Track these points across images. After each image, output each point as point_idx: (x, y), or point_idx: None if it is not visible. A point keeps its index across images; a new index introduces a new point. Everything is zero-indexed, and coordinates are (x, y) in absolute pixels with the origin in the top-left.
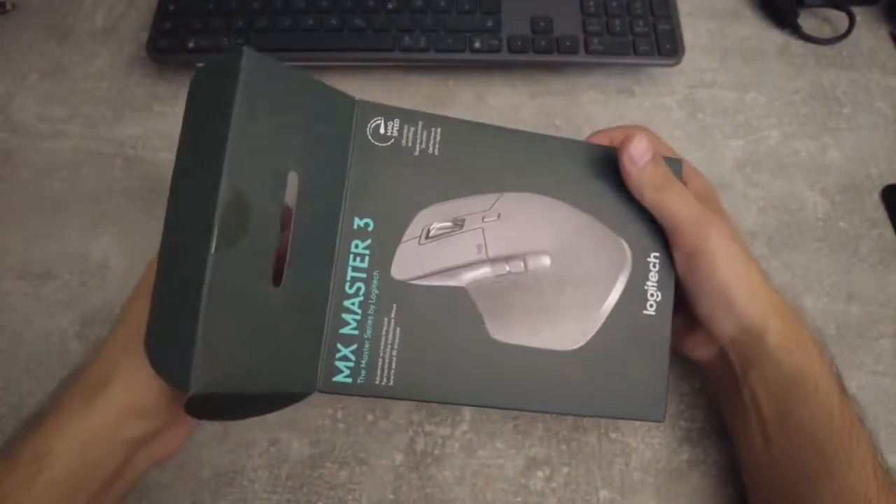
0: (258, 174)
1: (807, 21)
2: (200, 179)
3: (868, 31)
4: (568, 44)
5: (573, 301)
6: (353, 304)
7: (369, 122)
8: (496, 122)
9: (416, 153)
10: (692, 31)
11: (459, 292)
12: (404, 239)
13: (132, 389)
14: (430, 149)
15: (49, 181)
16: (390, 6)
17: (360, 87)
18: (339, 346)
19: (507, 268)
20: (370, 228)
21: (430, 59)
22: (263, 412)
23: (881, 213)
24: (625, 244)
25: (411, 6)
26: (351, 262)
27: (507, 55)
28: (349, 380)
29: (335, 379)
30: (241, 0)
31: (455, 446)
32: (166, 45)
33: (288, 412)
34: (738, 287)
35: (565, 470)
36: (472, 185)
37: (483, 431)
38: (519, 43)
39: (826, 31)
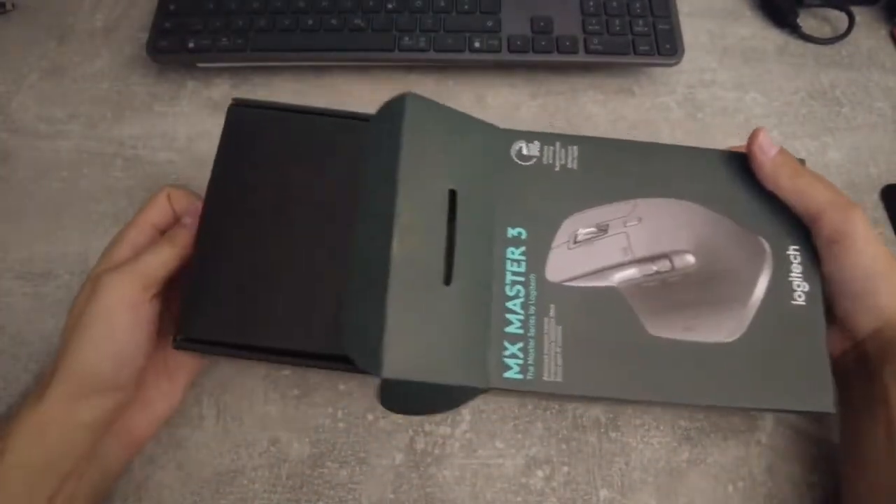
0: (424, 193)
1: (806, 21)
2: (378, 200)
3: (867, 30)
4: (568, 44)
5: (722, 296)
6: (514, 304)
7: (513, 145)
8: (496, 121)
9: (557, 169)
10: (692, 30)
11: (612, 292)
12: (554, 245)
13: (76, 374)
14: (569, 164)
15: (49, 181)
16: (390, 6)
17: (360, 87)
18: (506, 343)
19: (654, 267)
20: (523, 237)
21: (430, 59)
22: (445, 408)
23: (881, 213)
24: (762, 240)
25: (411, 6)
26: (509, 267)
27: (507, 55)
28: (520, 376)
29: (506, 375)
30: (240, 0)
31: (455, 446)
32: (166, 45)
33: (288, 411)
34: (883, 275)
35: (565, 469)
36: (611, 193)
37: (483, 431)
38: (519, 43)
39: (825, 31)
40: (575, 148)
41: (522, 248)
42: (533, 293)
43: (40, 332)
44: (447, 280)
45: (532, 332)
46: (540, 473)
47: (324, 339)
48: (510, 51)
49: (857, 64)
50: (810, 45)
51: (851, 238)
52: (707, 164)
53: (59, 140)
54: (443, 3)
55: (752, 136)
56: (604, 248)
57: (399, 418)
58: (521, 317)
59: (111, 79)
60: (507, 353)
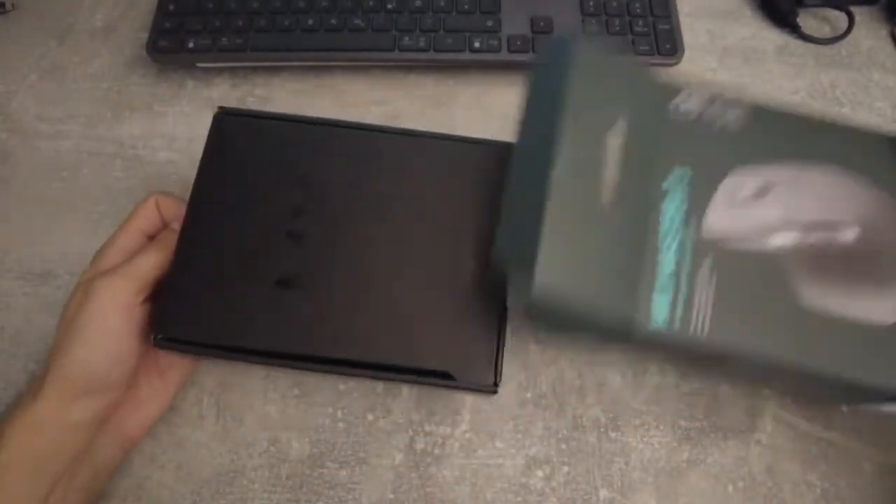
0: (588, 128)
1: (806, 21)
2: (542, 132)
3: (867, 30)
4: None
5: (884, 276)
6: (668, 254)
7: (676, 99)
8: (496, 122)
9: (717, 126)
10: (691, 30)
11: (769, 255)
12: (713, 201)
13: (69, 375)
14: (731, 124)
15: (49, 181)
16: (390, 6)
17: (360, 87)
18: (654, 294)
19: (816, 235)
20: (683, 186)
21: (430, 59)
22: (588, 343)
23: None
24: None
25: (411, 6)
26: (667, 214)
27: (506, 55)
28: (666, 326)
29: (652, 326)
30: (240, 0)
31: (455, 446)
32: (166, 45)
33: (288, 411)
34: None
35: (565, 469)
36: (776, 155)
37: (483, 431)
38: (519, 43)
39: (825, 31)
40: (738, 109)
41: (681, 198)
42: (689, 245)
43: (40, 332)
44: (604, 216)
45: (683, 285)
46: (540, 473)
47: (296, 340)
48: (510, 51)
49: (857, 64)
50: (810, 45)
51: None
52: (877, 144)
53: (59, 140)
54: (443, 3)
55: None
56: (765, 209)
57: (399, 418)
58: (673, 268)
59: (111, 79)
60: (655, 302)
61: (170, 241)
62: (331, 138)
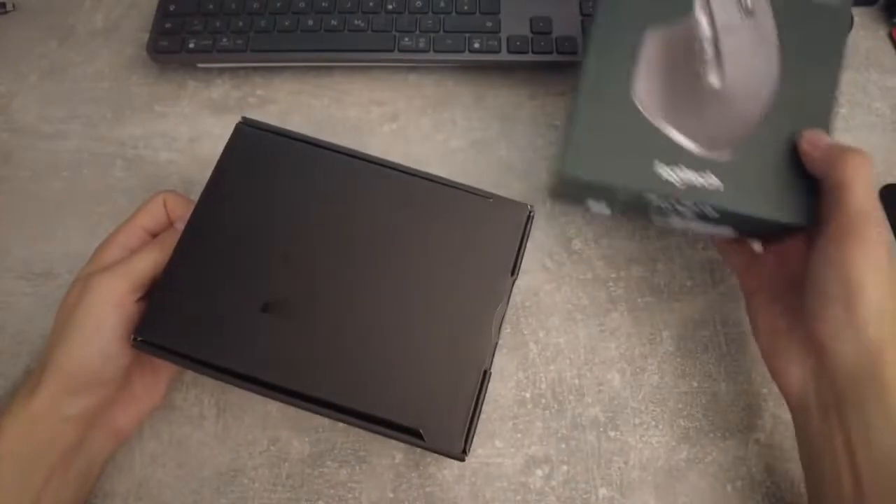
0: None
1: None
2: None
3: (866, 31)
4: (567, 44)
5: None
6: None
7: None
8: (496, 122)
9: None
10: None
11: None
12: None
13: (64, 371)
14: None
15: (49, 181)
16: (390, 7)
17: (360, 87)
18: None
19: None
20: None
21: (430, 59)
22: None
23: (879, 213)
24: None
25: (411, 6)
26: None
27: (506, 55)
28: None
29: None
30: (240, 0)
31: None
32: (166, 45)
33: (288, 411)
34: (871, 289)
35: (564, 468)
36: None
37: (482, 430)
38: (518, 43)
39: None
40: None
41: None
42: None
43: (40, 331)
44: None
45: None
46: (539, 472)
47: (272, 369)
48: (510, 51)
49: (856, 64)
50: None
51: (859, 243)
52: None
53: (59, 140)
54: (442, 4)
55: (801, 135)
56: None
57: None
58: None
59: (111, 79)
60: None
61: (172, 241)
62: (348, 169)
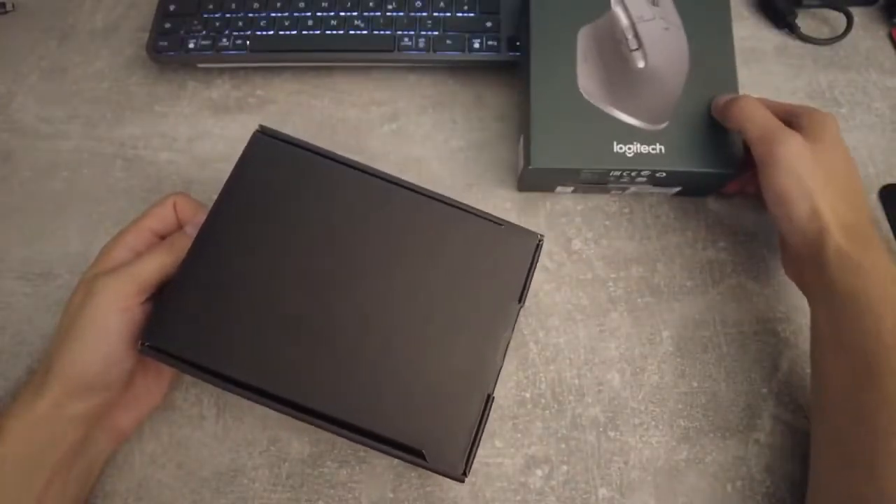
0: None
1: (805, 22)
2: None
3: (866, 31)
4: None
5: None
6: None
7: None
8: (496, 122)
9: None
10: None
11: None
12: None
13: (67, 374)
14: None
15: (49, 181)
16: (390, 7)
17: (360, 87)
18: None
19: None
20: None
21: (430, 59)
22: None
23: (879, 213)
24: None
25: (411, 7)
26: None
27: (506, 55)
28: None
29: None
30: (240, 0)
31: None
32: (166, 45)
33: None
34: (796, 201)
35: (564, 468)
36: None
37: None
38: (518, 43)
39: (824, 32)
40: None
41: None
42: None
43: (40, 331)
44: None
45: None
46: (539, 472)
47: (279, 381)
48: (510, 51)
49: (856, 64)
50: (809, 46)
51: (771, 166)
52: None
53: (59, 140)
54: (442, 4)
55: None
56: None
57: None
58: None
59: (111, 79)
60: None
61: (180, 244)
62: (362, 185)
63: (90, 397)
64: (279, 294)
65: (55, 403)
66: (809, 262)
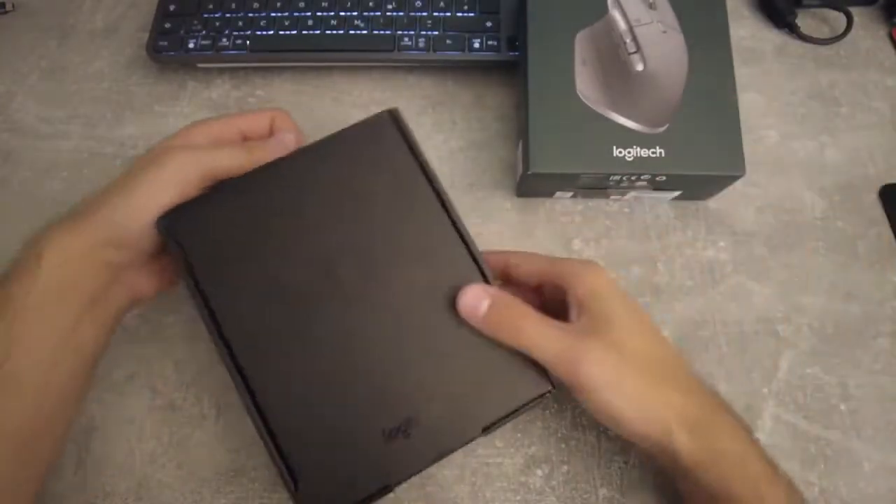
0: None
1: (805, 21)
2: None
3: (866, 31)
4: None
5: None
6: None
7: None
8: (496, 122)
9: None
10: None
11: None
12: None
13: (109, 226)
14: None
15: (49, 181)
16: (390, 7)
17: (360, 87)
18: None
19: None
20: None
21: (430, 59)
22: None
23: (879, 213)
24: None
25: (411, 6)
26: None
27: (506, 55)
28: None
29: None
30: (240, 0)
31: None
32: (166, 45)
33: None
34: (628, 415)
35: (565, 468)
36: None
37: None
38: (518, 43)
39: (824, 32)
40: None
41: None
42: None
43: None
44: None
45: None
46: (539, 472)
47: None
48: (510, 51)
49: (856, 64)
50: (809, 46)
51: (585, 389)
52: None
53: (59, 140)
54: (442, 4)
55: (457, 302)
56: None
57: None
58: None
59: (111, 79)
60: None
61: (260, 153)
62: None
63: (121, 251)
64: (290, 274)
65: (90, 246)
66: (668, 466)
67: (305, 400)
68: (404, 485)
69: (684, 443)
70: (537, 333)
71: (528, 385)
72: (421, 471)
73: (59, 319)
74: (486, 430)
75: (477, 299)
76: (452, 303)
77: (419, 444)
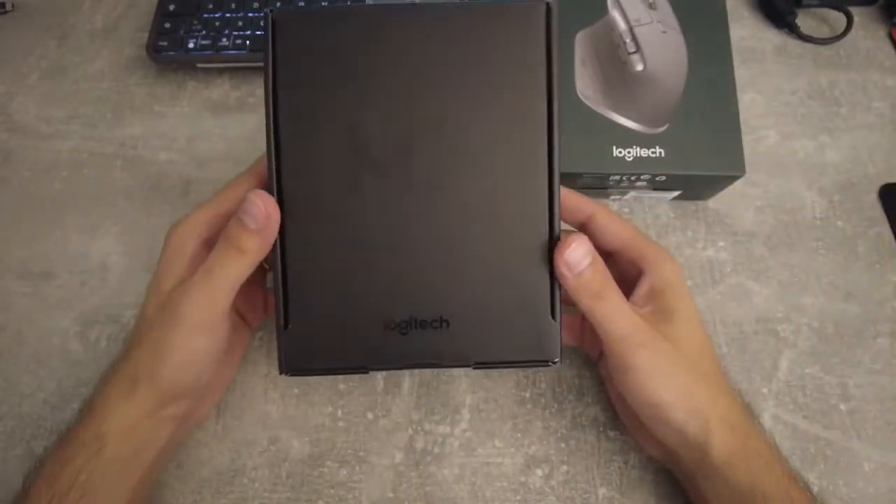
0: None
1: (804, 21)
2: None
3: (866, 31)
4: None
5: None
6: None
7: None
8: None
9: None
10: None
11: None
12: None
13: (161, 387)
14: None
15: (49, 181)
16: None
17: None
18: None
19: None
20: None
21: None
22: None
23: (879, 213)
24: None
25: None
26: None
27: None
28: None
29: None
30: (240, 0)
31: (454, 444)
32: (166, 45)
33: (288, 410)
34: (673, 405)
35: (564, 468)
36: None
37: (482, 430)
38: None
39: (824, 32)
40: None
41: None
42: None
43: (40, 331)
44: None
45: None
46: (539, 472)
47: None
48: None
49: (856, 64)
50: (809, 46)
51: (638, 372)
52: None
53: (59, 140)
54: None
55: (559, 248)
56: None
57: (399, 417)
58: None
59: (111, 79)
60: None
61: (247, 242)
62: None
63: (182, 403)
64: (367, 127)
65: (148, 410)
66: (694, 467)
67: (331, 257)
68: (404, 485)
69: (721, 439)
70: (616, 307)
71: (539, 346)
72: (400, 368)
73: (118, 494)
74: (479, 366)
75: (584, 255)
76: (510, 230)
77: (411, 344)
